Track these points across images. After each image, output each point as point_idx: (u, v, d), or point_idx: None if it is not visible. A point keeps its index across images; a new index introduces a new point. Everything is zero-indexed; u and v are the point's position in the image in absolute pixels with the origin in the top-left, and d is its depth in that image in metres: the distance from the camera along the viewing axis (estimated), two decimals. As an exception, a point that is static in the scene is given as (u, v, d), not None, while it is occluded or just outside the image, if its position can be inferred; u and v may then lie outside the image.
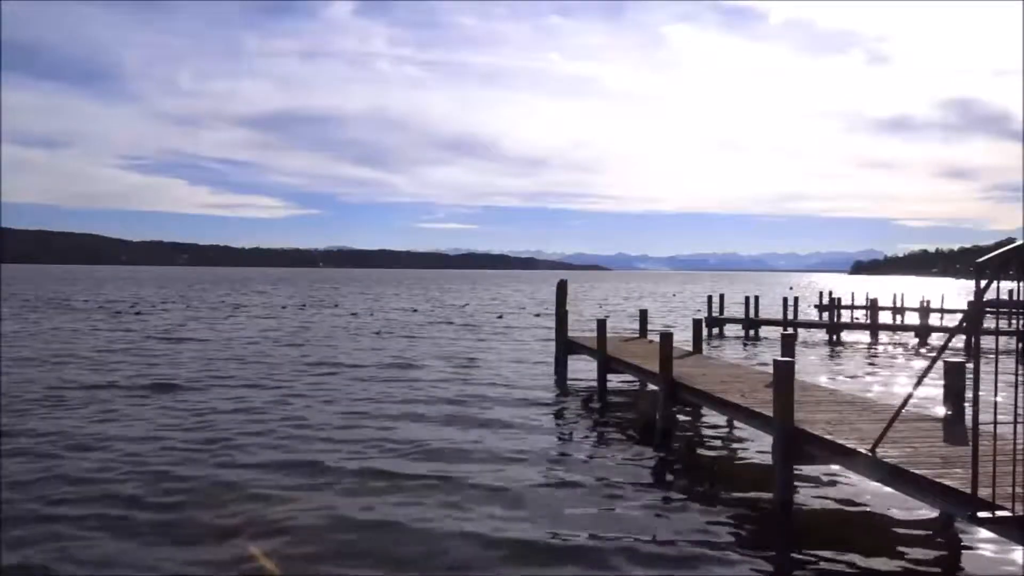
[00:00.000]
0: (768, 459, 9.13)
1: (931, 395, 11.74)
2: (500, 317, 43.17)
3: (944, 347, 6.20)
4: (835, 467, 8.06)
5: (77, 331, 30.31)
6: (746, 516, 8.21)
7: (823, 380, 16.06)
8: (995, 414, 5.20)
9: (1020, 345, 8.50)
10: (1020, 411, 4.92)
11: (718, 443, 11.92)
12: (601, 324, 16.59)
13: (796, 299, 35.96)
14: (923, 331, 29.59)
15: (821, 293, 43.27)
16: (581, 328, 23.54)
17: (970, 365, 5.92)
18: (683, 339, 16.72)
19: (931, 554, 7.23)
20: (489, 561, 6.93)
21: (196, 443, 11.30)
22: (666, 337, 12.28)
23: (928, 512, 7.90)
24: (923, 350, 27.21)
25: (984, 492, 5.29)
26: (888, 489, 7.15)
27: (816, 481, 9.20)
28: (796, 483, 8.58)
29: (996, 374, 5.26)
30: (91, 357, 21.86)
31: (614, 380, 16.57)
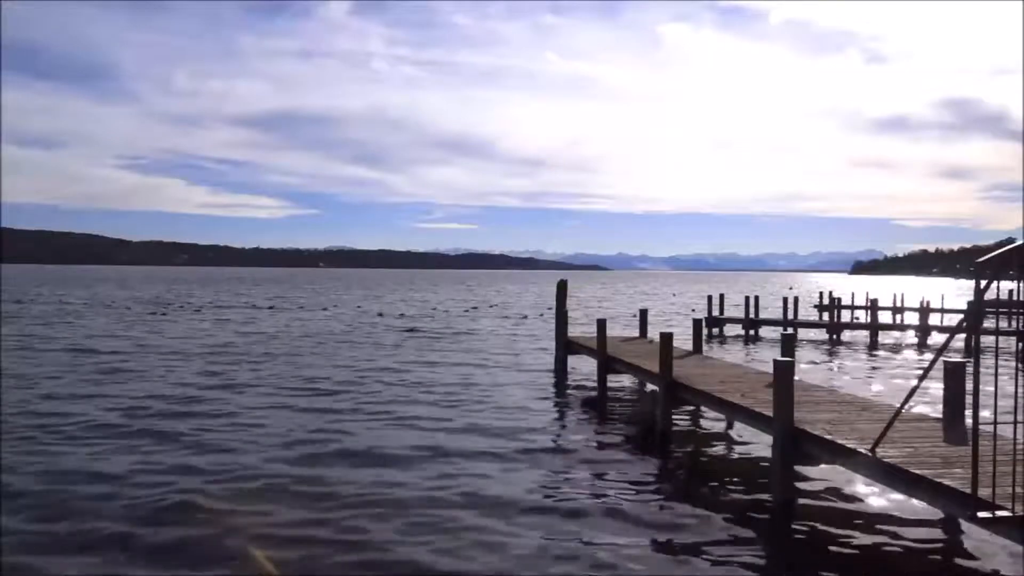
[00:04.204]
0: (768, 459, 9.14)
1: (931, 395, 11.76)
2: (525, 318, 42.77)
3: (944, 347, 6.20)
4: (835, 467, 8.05)
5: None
6: (746, 516, 8.21)
7: (823, 380, 16.05)
8: (995, 414, 5.20)
9: (1020, 345, 8.49)
10: (1020, 411, 4.91)
11: (718, 443, 11.92)
12: (601, 324, 16.59)
13: (796, 299, 35.96)
14: (923, 331, 29.58)
15: (821, 293, 43.25)
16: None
17: (970, 365, 5.92)
18: (683, 339, 16.71)
19: (931, 554, 7.23)
20: (489, 561, 6.93)
21: (196, 445, 11.33)
22: (666, 337, 12.28)
23: (928, 512, 7.90)
24: (923, 350, 27.21)
25: (984, 492, 5.29)
26: (888, 489, 7.16)
27: (816, 481, 9.19)
28: (796, 483, 8.58)
29: (996, 374, 5.26)
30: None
31: (614, 380, 16.57)
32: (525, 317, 43.35)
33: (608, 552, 7.15)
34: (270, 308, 49.86)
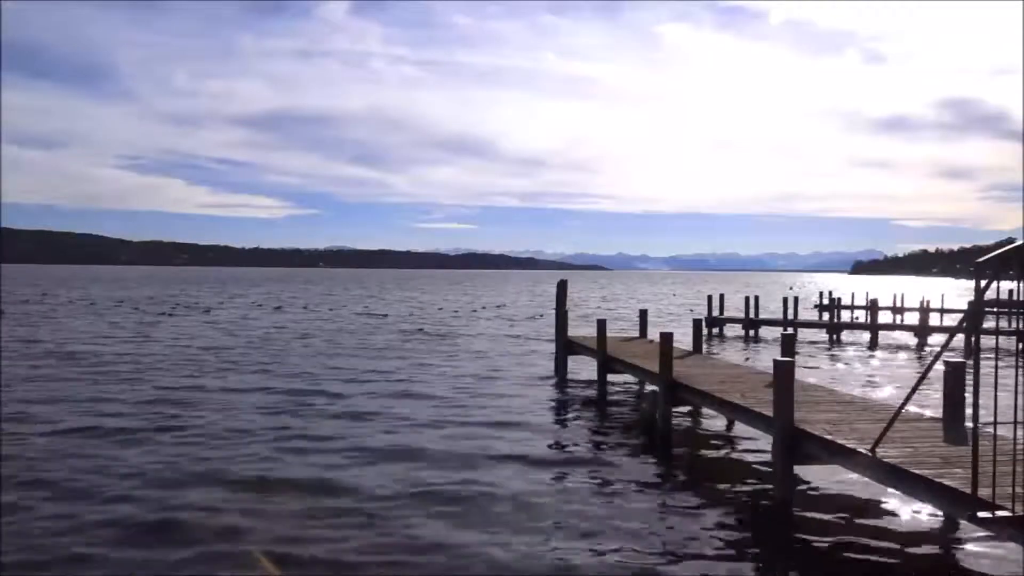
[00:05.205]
0: (768, 459, 9.13)
1: (931, 395, 11.75)
2: (532, 318, 42.53)
3: (944, 347, 6.20)
4: (835, 467, 8.05)
5: None
6: (746, 516, 8.21)
7: (823, 380, 16.05)
8: (995, 414, 5.19)
9: (1020, 345, 8.50)
10: (1020, 411, 4.91)
11: (718, 443, 11.92)
12: (601, 324, 16.59)
13: (796, 299, 35.97)
14: (923, 331, 29.58)
15: (821, 293, 43.25)
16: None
17: (970, 365, 5.92)
18: (683, 339, 16.69)
19: (931, 554, 7.23)
20: (488, 563, 6.93)
21: (198, 444, 11.33)
22: (666, 337, 12.28)
23: (928, 512, 7.91)
24: (923, 350, 27.21)
25: (984, 492, 5.29)
26: (888, 489, 7.16)
27: (816, 481, 9.20)
28: (796, 483, 8.58)
29: (996, 374, 5.26)
30: None
31: (614, 380, 16.56)
32: (532, 318, 43.19)
33: (607, 552, 7.15)
34: (277, 308, 49.83)
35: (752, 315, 32.84)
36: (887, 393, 15.94)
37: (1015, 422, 4.96)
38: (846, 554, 7.18)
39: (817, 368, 21.12)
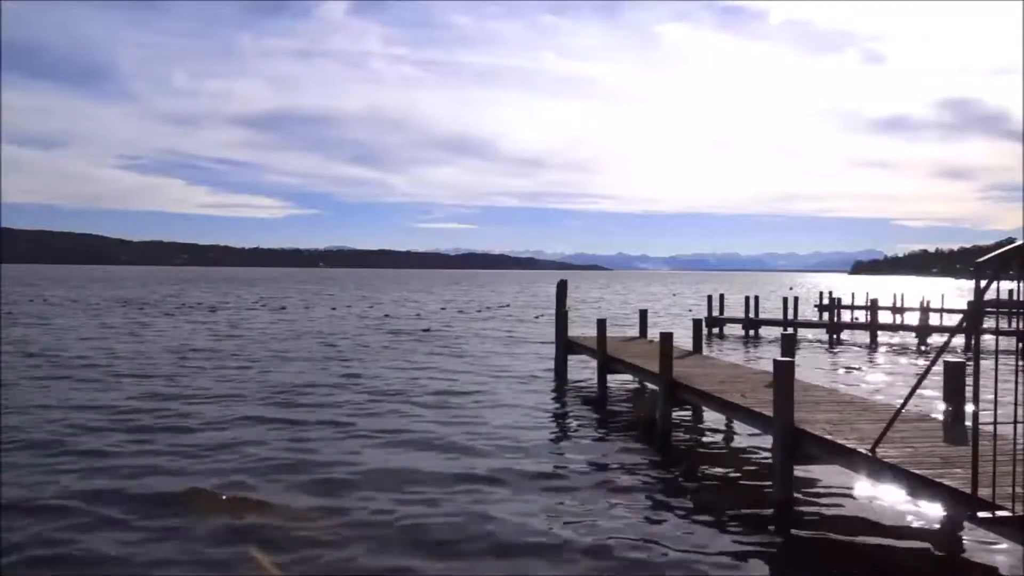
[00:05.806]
0: (768, 459, 9.14)
1: (931, 395, 11.75)
2: (537, 319, 42.36)
3: (944, 347, 6.21)
4: (835, 467, 8.05)
5: None
6: (746, 516, 8.20)
7: (823, 380, 16.05)
8: (995, 414, 5.19)
9: (1020, 345, 8.50)
10: (1020, 411, 4.91)
11: (718, 443, 11.92)
12: (601, 324, 16.59)
13: (796, 299, 35.93)
14: (923, 331, 29.57)
15: (821, 293, 43.24)
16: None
17: (970, 365, 5.92)
18: (683, 339, 16.69)
19: (931, 554, 7.23)
20: (488, 562, 6.92)
21: (198, 442, 11.32)
22: (666, 337, 12.28)
23: (928, 512, 7.91)
24: (923, 350, 27.21)
25: (984, 492, 5.30)
26: (888, 489, 7.16)
27: (816, 481, 9.19)
28: (796, 483, 8.58)
29: (996, 374, 5.26)
30: None
31: (614, 380, 16.57)
32: (532, 318, 43.10)
33: (606, 552, 7.15)
34: (275, 309, 49.83)
35: (752, 315, 32.85)
36: (887, 393, 15.93)
37: (1015, 422, 4.96)
38: (846, 554, 7.18)
39: (817, 368, 21.11)
